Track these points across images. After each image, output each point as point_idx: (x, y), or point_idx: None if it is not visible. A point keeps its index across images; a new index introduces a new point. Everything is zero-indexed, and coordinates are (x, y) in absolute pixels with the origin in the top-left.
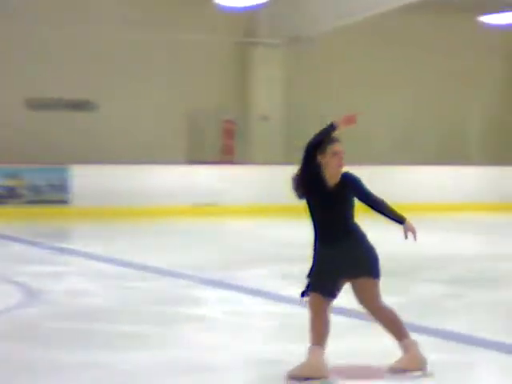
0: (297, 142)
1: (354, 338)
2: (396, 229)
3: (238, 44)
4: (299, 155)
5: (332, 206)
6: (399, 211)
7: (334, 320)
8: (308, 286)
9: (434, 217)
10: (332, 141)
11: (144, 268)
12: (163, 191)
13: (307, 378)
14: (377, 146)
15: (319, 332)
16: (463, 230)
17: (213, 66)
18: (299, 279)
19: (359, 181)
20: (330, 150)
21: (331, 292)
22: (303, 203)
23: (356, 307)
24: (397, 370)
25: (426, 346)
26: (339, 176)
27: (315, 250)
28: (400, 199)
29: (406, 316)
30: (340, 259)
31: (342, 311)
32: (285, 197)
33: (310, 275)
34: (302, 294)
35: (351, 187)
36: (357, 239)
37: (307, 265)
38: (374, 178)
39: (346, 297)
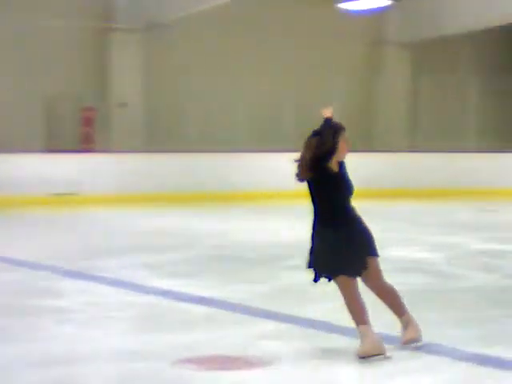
0: (157, 129)
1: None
2: (258, 218)
3: (96, 30)
4: (160, 143)
5: (341, 187)
6: (258, 198)
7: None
8: (316, 271)
9: (293, 204)
10: (344, 128)
11: (2, 259)
12: (20, 181)
13: (374, 355)
14: (237, 132)
15: (362, 311)
16: None
17: (71, 52)
18: (159, 269)
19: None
20: (343, 136)
21: (359, 271)
22: (167, 192)
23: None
24: (409, 342)
25: (287, 334)
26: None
27: (325, 233)
28: (258, 186)
29: (269, 304)
30: (359, 238)
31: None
32: (145, 185)
33: (327, 259)
34: (316, 279)
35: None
36: (361, 219)
37: (168, 254)
38: (232, 164)
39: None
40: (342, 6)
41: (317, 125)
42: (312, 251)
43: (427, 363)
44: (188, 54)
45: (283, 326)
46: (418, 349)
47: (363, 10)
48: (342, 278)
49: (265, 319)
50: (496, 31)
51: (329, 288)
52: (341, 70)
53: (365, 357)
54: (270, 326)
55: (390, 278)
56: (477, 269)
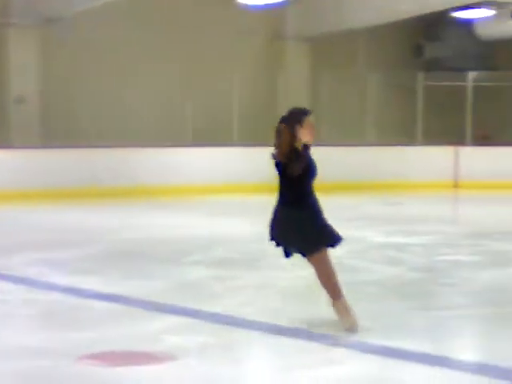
0: (54, 124)
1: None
2: (158, 214)
3: None
4: (58, 138)
5: (307, 172)
6: (155, 194)
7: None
8: (285, 248)
9: (199, 199)
10: (308, 113)
11: None
12: None
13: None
14: (135, 128)
15: (338, 286)
16: (228, 211)
17: None
18: (62, 266)
19: None
20: (307, 122)
21: (332, 241)
22: (66, 188)
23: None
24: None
25: (190, 329)
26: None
27: (292, 213)
28: (157, 181)
29: (172, 299)
30: (322, 215)
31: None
32: (44, 181)
33: (298, 238)
34: (287, 255)
35: None
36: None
37: (70, 251)
38: (129, 159)
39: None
40: (242, 1)
41: (216, 120)
42: (278, 229)
43: (333, 356)
44: (84, 49)
45: (187, 321)
46: (326, 339)
47: (263, 5)
48: (317, 254)
49: (168, 314)
50: (396, 26)
51: (231, 283)
52: (242, 66)
53: (353, 329)
54: (174, 321)
55: (293, 271)
56: (381, 262)
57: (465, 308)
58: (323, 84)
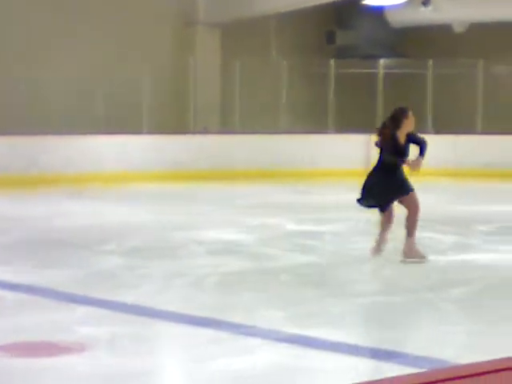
0: None
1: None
2: (72, 201)
3: None
4: None
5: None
6: (67, 182)
7: None
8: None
9: (111, 187)
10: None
11: None
12: None
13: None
14: (45, 115)
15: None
16: (133, 200)
17: None
18: None
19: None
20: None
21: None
22: None
23: None
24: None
25: (101, 319)
26: None
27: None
28: (68, 168)
29: (83, 289)
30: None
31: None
32: None
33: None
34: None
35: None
36: None
37: None
38: (39, 147)
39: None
40: None
41: (126, 107)
42: (377, 187)
43: (246, 345)
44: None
45: (98, 312)
46: (239, 329)
47: None
48: (411, 194)
49: (79, 304)
50: (308, 12)
51: (144, 272)
52: (152, 52)
53: (422, 258)
54: (85, 311)
55: (205, 259)
56: (292, 250)
57: (377, 295)
58: (235, 70)
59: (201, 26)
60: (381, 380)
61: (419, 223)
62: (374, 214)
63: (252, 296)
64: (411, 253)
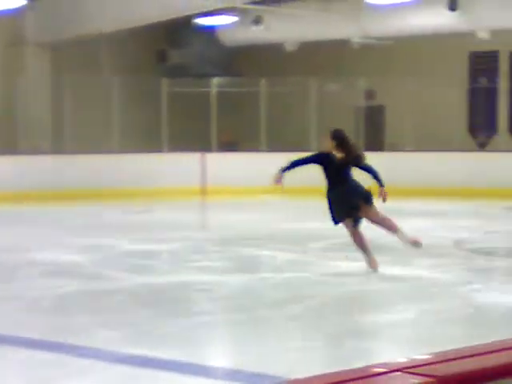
0: None
1: None
2: None
3: None
4: None
5: None
6: None
7: None
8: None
9: None
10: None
11: None
12: None
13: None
14: None
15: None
16: None
17: None
18: None
19: None
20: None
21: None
22: None
23: None
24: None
25: None
26: None
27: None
28: None
29: None
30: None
31: None
32: None
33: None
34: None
35: None
36: None
37: None
38: None
39: None
40: None
41: None
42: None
43: (81, 367)
44: None
45: None
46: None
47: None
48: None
49: None
50: (138, 31)
51: None
52: None
53: (418, 243)
54: None
55: (39, 281)
56: (128, 270)
57: (216, 314)
58: (66, 90)
59: (30, 45)
60: None
61: (257, 241)
62: (212, 233)
63: (87, 317)
64: (407, 239)
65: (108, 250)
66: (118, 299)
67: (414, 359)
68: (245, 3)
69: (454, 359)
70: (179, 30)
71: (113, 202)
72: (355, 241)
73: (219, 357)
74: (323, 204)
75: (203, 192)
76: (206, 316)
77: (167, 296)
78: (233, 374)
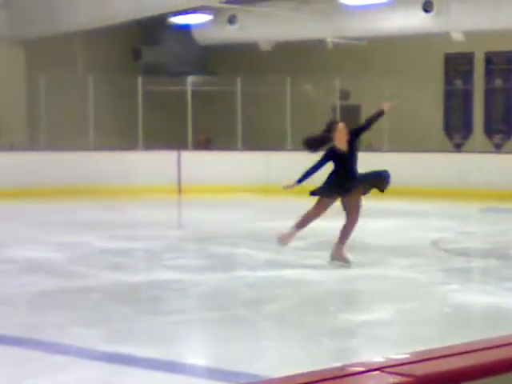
0: None
1: None
2: None
3: None
4: None
5: None
6: None
7: None
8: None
9: None
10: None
11: None
12: None
13: None
14: None
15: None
16: None
17: None
18: None
19: None
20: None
21: None
22: None
23: None
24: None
25: None
26: None
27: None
28: None
29: None
30: None
31: None
32: None
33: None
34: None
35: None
36: None
37: None
38: None
39: None
40: None
41: None
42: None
43: (56, 364)
44: None
45: None
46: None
47: None
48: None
49: None
50: (113, 29)
51: None
52: None
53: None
54: None
55: (14, 278)
56: (103, 267)
57: (192, 312)
58: (40, 88)
59: (3, 42)
60: None
61: (232, 240)
62: (187, 231)
63: (63, 314)
64: (338, 255)
65: (83, 247)
66: (93, 297)
67: (393, 358)
68: (220, 2)
69: (433, 358)
70: (154, 29)
71: (88, 199)
72: (310, 215)
73: (196, 355)
74: (299, 202)
75: (179, 190)
76: (182, 314)
77: (143, 294)
78: (209, 372)
